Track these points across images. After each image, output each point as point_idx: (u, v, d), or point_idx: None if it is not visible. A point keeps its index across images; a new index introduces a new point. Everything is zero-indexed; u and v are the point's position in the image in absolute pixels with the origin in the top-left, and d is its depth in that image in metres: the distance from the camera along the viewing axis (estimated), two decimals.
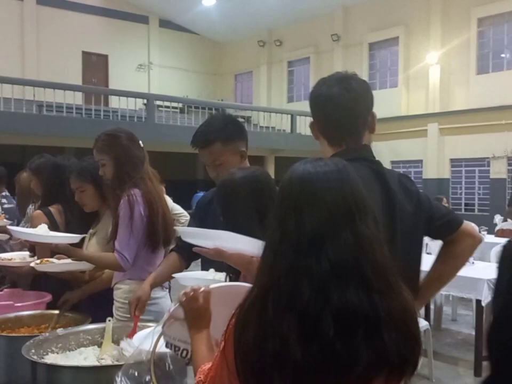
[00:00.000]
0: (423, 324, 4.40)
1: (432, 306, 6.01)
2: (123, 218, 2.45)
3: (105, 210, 2.76)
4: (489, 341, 1.15)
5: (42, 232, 2.49)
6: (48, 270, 2.62)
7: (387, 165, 12.07)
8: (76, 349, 2.04)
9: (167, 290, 2.64)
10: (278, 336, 0.98)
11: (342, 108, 1.64)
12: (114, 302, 2.55)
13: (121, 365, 1.80)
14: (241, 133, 2.31)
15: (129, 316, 2.33)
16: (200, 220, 2.32)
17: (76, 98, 14.12)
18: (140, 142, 2.64)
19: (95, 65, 20.41)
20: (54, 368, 1.75)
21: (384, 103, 15.79)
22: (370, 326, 0.98)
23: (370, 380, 0.99)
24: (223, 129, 2.24)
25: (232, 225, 1.78)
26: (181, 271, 2.31)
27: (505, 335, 1.09)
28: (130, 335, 1.93)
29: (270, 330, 0.99)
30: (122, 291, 2.51)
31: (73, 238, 2.50)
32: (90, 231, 2.80)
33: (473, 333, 5.16)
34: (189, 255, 2.23)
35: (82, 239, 2.67)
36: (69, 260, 2.57)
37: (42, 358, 1.89)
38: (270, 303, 1.01)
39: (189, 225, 2.44)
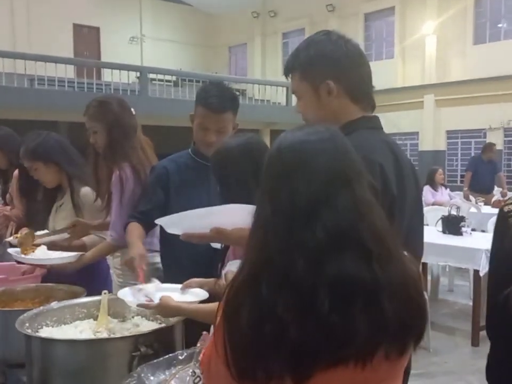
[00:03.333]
0: None
1: (429, 277, 6.02)
2: (115, 195, 2.47)
3: (68, 183, 2.76)
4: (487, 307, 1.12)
5: (41, 255, 2.51)
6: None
7: None
8: (71, 323, 2.00)
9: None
10: (274, 315, 0.91)
11: (360, 63, 1.56)
12: (114, 269, 2.63)
13: (117, 338, 1.77)
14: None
15: (131, 282, 2.35)
16: (162, 188, 2.33)
17: (68, 72, 13.93)
18: (132, 109, 2.61)
19: (87, 38, 20.12)
20: (49, 342, 1.70)
21: (380, 75, 15.60)
22: (369, 295, 0.92)
23: (370, 354, 0.93)
24: (236, 99, 2.31)
25: (228, 192, 1.78)
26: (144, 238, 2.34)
27: (493, 299, 1.07)
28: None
29: (266, 310, 0.92)
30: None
31: (70, 257, 2.48)
32: (56, 203, 2.82)
33: (470, 303, 5.18)
34: (148, 224, 2.27)
35: (48, 206, 2.79)
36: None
37: (37, 331, 1.85)
38: (264, 282, 0.94)
39: (146, 196, 2.39)
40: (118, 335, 1.84)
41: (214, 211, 1.64)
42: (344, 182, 0.98)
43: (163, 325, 1.93)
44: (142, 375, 1.45)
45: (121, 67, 15.02)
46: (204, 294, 1.91)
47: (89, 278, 2.52)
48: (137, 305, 1.82)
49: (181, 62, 20.86)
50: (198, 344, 1.49)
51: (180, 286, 2.01)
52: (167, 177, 2.34)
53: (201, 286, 2.00)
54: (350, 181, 0.99)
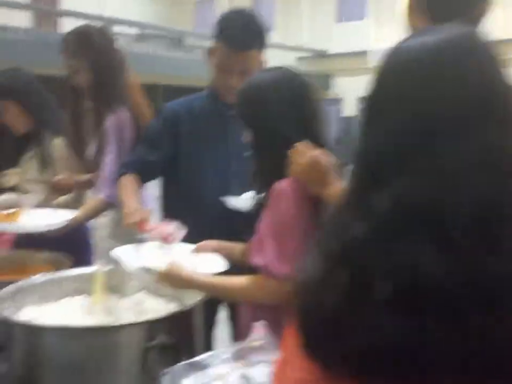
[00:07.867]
0: None
1: None
2: (112, 146, 2.12)
3: (39, 129, 2.34)
4: None
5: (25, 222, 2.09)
6: None
7: None
8: (58, 300, 1.62)
9: None
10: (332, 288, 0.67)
11: None
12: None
13: (125, 325, 1.39)
14: None
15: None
16: (170, 136, 1.95)
17: (24, 21, 13.06)
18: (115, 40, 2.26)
19: None
20: (34, 330, 1.33)
21: None
22: (446, 302, 0.61)
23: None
24: (264, 32, 1.93)
25: (261, 140, 1.44)
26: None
27: None
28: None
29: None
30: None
31: (60, 223, 2.05)
32: (29, 154, 2.38)
33: None
34: (147, 178, 2.01)
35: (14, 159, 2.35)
36: None
37: (19, 311, 1.49)
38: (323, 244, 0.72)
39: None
40: (124, 321, 1.46)
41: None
42: (455, 127, 0.65)
43: (173, 303, 1.56)
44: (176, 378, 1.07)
45: (84, 16, 14.15)
46: (223, 264, 1.52)
47: (68, 243, 2.11)
48: (138, 269, 1.47)
49: (144, 16, 19.87)
50: (249, 340, 1.12)
51: (191, 246, 1.62)
52: (176, 123, 1.94)
53: (217, 250, 1.60)
54: (468, 126, 0.65)
